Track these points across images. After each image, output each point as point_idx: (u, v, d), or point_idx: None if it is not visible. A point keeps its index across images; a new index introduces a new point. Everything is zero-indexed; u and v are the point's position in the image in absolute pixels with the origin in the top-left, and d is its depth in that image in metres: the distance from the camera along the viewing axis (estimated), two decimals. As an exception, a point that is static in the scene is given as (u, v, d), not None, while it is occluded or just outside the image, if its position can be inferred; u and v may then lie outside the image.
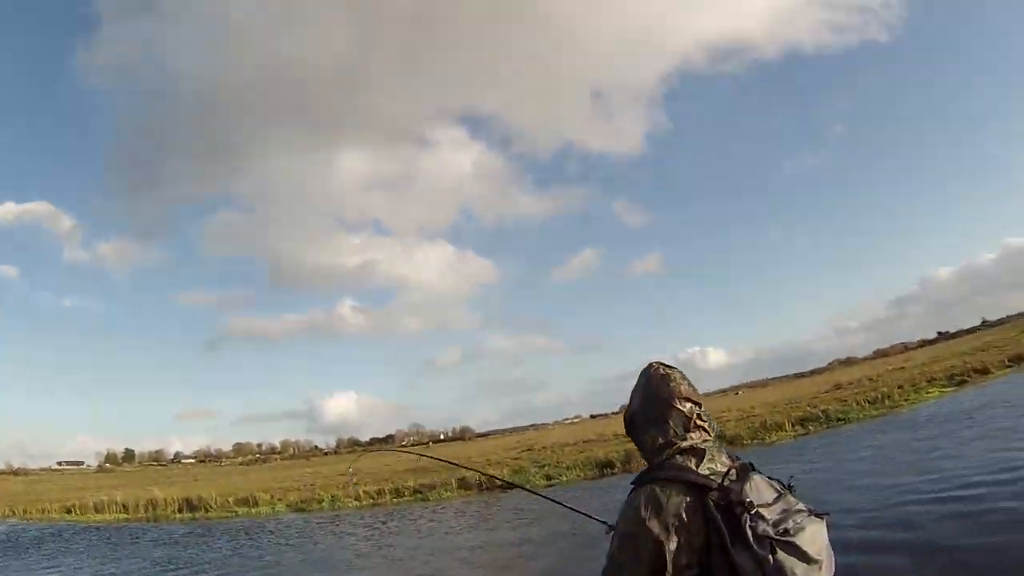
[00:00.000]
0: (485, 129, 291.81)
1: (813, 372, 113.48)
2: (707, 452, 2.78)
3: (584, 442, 48.00)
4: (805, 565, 2.44)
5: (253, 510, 37.31)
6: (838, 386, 48.67)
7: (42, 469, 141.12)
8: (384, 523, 26.74)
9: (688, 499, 2.60)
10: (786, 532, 2.45)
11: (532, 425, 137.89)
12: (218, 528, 31.39)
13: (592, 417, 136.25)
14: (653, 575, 2.59)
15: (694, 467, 2.71)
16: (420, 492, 33.98)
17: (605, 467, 31.59)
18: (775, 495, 2.62)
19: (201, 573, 19.87)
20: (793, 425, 32.35)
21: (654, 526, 2.59)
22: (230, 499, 39.82)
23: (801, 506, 2.61)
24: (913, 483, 15.04)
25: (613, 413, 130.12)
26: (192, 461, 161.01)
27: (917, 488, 14.43)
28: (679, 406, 2.86)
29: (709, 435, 2.88)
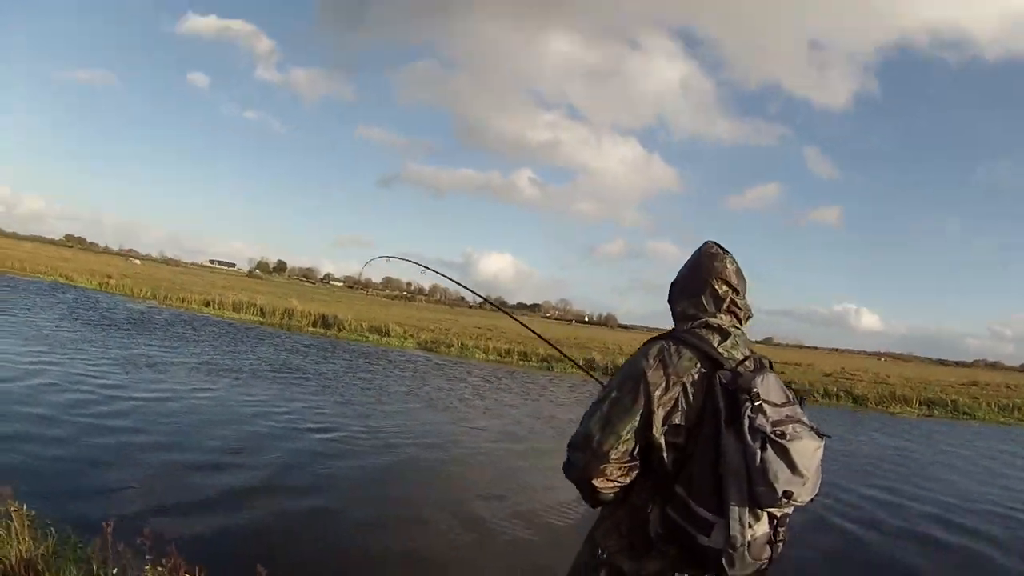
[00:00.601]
0: (698, 49, 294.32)
1: (957, 364, 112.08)
2: (732, 336, 2.71)
3: None
4: (790, 473, 2.33)
5: (383, 339, 38.67)
6: (975, 383, 47.45)
7: (193, 264, 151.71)
8: (499, 379, 27.21)
9: (698, 367, 2.55)
10: (782, 435, 2.35)
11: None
12: (343, 347, 32.62)
13: None
14: (641, 424, 2.50)
15: (714, 344, 2.65)
16: (546, 361, 34.44)
17: None
18: (785, 399, 2.51)
19: (306, 379, 20.31)
20: (920, 404, 32.24)
21: (654, 376, 2.52)
22: (364, 324, 41.47)
23: (806, 420, 2.50)
24: (994, 495, 14.24)
25: (757, 342, 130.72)
26: (340, 284, 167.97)
27: (992, 499, 13.67)
28: (716, 286, 2.80)
29: (740, 323, 2.83)
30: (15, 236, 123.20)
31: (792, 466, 2.32)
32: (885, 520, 11.13)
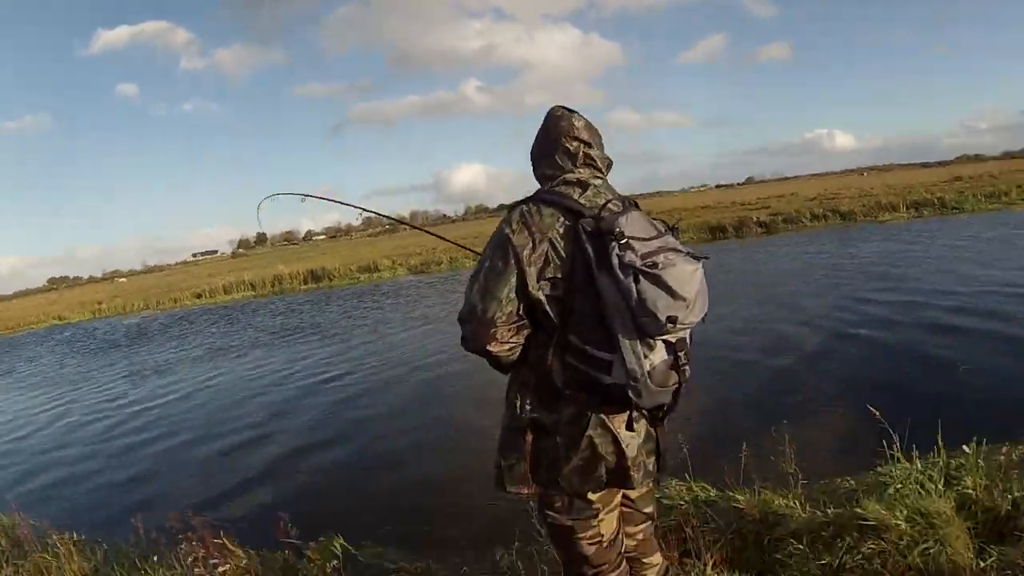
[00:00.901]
0: None
1: (938, 164, 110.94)
2: (592, 186, 2.81)
3: (702, 207, 49.21)
4: (669, 299, 2.44)
5: (375, 275, 39.44)
6: (958, 178, 47.76)
7: (178, 263, 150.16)
8: None
9: (561, 220, 2.65)
10: (654, 264, 2.45)
11: (657, 192, 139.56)
12: (337, 295, 33.27)
13: (718, 187, 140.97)
14: (518, 284, 2.62)
15: (575, 196, 2.75)
16: None
17: (718, 231, 33.29)
18: (655, 233, 2.63)
19: (305, 335, 21.00)
20: (907, 207, 33.10)
21: (519, 238, 2.63)
22: (353, 267, 42.13)
23: (679, 247, 2.59)
24: (1003, 276, 14.53)
25: (739, 184, 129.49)
26: (323, 237, 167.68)
27: (1007, 281, 13.95)
28: (567, 143, 2.91)
29: (600, 173, 2.95)
30: (0, 299, 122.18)
31: (670, 292, 2.43)
32: (899, 320, 11.76)
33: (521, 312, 2.64)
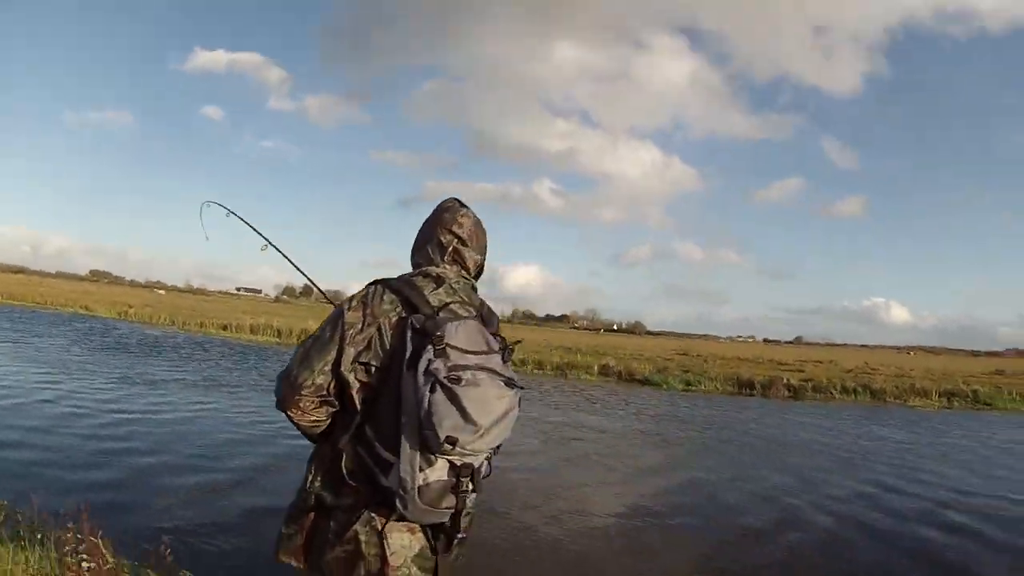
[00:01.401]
0: (703, 44, 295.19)
1: (988, 354, 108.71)
2: (447, 284, 2.74)
3: (739, 359, 48.46)
4: (458, 419, 2.32)
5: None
6: (1000, 371, 46.43)
7: (220, 292, 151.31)
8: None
9: (398, 311, 2.59)
10: (457, 380, 2.34)
11: (704, 335, 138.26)
12: None
13: (765, 341, 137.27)
14: (335, 360, 2.55)
15: (426, 291, 2.67)
16: (561, 369, 35.11)
17: (745, 386, 32.39)
18: (481, 348, 2.52)
19: None
20: (939, 396, 31.85)
21: (352, 316, 2.59)
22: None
23: (500, 370, 2.50)
24: (985, 487, 13.85)
25: (786, 342, 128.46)
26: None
27: (983, 492, 13.28)
28: (441, 236, 2.87)
29: (466, 274, 2.89)
30: (41, 274, 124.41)
31: (463, 412, 2.33)
32: (864, 515, 11.14)
33: (330, 389, 2.57)
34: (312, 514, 2.64)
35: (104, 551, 5.06)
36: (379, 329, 2.55)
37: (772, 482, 13.17)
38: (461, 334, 2.48)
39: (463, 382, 2.34)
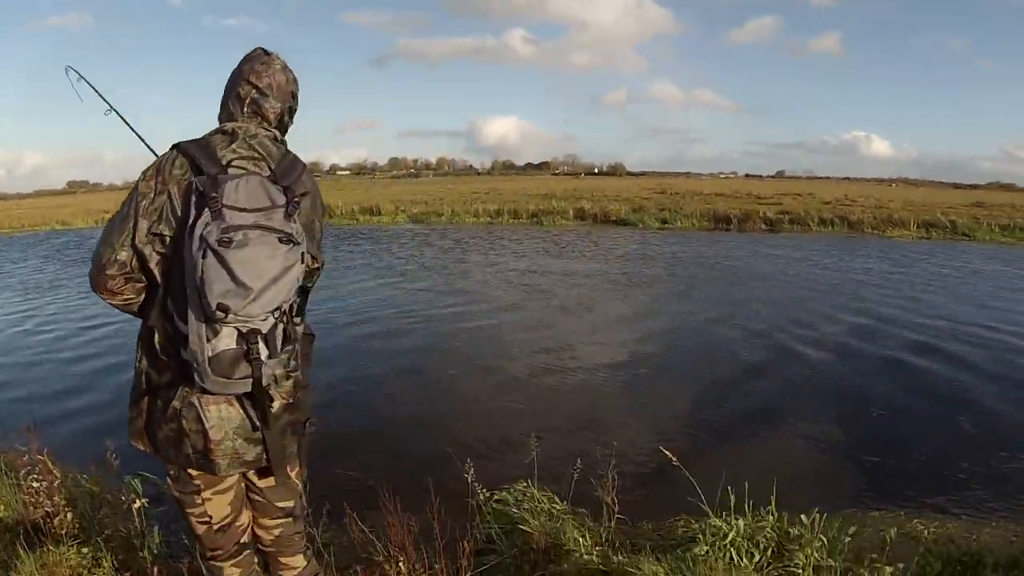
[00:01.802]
0: None
1: (969, 186, 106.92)
2: (240, 138, 2.58)
3: (717, 195, 48.09)
4: (229, 283, 2.20)
5: (374, 219, 39.30)
6: (980, 204, 45.49)
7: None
8: (473, 239, 27.94)
9: (187, 175, 2.46)
10: (228, 242, 2.22)
11: (686, 173, 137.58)
12: (330, 232, 32.42)
13: (747, 176, 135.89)
14: (132, 234, 2.45)
15: (218, 149, 2.53)
16: (536, 216, 35.25)
17: (720, 221, 32.64)
18: (264, 205, 2.36)
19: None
20: (918, 226, 31.63)
21: (145, 186, 2.49)
22: (355, 207, 41.72)
23: (279, 226, 2.34)
24: (963, 313, 13.57)
25: (768, 176, 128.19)
26: (347, 173, 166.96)
27: (961, 318, 13.04)
28: (240, 88, 2.71)
29: (267, 126, 2.71)
30: (18, 196, 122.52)
31: (232, 276, 2.20)
32: (850, 345, 11.11)
33: (132, 265, 2.48)
34: (146, 395, 2.57)
35: (51, 466, 5.04)
36: (169, 196, 2.45)
37: (750, 318, 13.12)
38: (241, 192, 2.34)
39: (233, 244, 2.22)
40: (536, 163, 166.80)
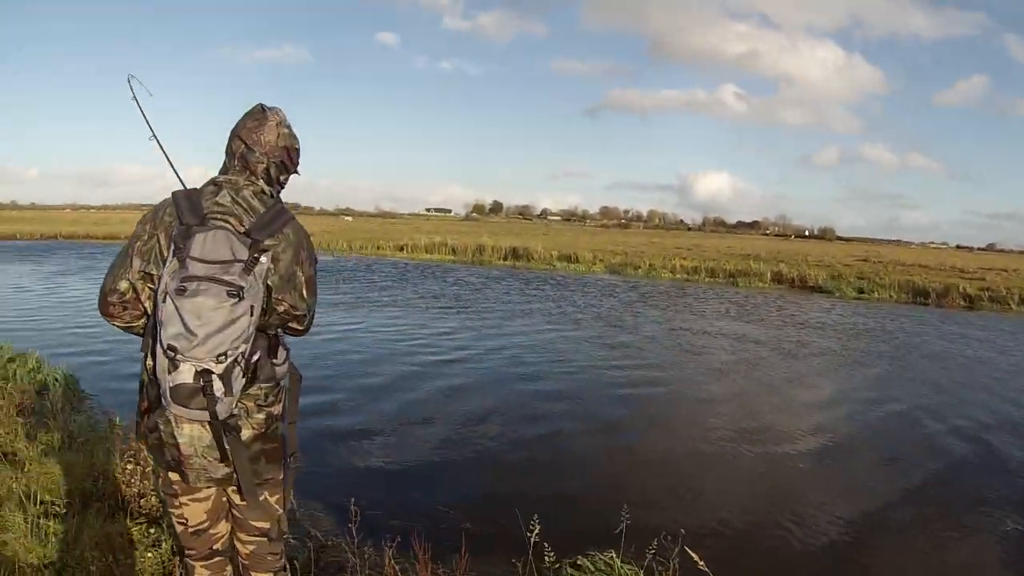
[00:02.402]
0: None
1: None
2: (225, 190, 2.83)
3: (920, 266, 44.99)
4: (180, 328, 2.46)
5: (571, 266, 39.42)
6: None
7: (409, 214, 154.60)
8: (660, 294, 27.64)
9: (176, 221, 2.70)
10: (182, 291, 2.48)
11: (896, 240, 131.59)
12: (521, 276, 33.58)
13: (957, 247, 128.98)
14: (129, 269, 2.76)
15: (205, 200, 2.78)
16: (733, 277, 34.49)
17: (918, 294, 30.54)
18: (224, 258, 2.59)
19: (447, 306, 21.48)
20: None
21: (141, 229, 2.78)
22: (554, 253, 41.91)
23: (233, 279, 2.55)
24: None
25: (979, 249, 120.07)
26: (557, 219, 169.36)
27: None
28: (232, 142, 2.96)
29: (253, 179, 2.93)
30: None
31: (183, 321, 2.45)
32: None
33: (130, 296, 2.77)
34: (144, 405, 2.81)
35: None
36: (159, 240, 2.73)
37: (900, 398, 11.84)
38: (206, 245, 2.57)
39: (187, 292, 2.47)
40: (747, 221, 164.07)
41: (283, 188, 3.10)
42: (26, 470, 5.98)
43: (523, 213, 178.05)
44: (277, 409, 2.87)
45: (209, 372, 2.51)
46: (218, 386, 2.53)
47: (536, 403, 10.42)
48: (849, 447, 9.19)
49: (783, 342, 16.96)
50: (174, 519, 3.02)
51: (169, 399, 2.52)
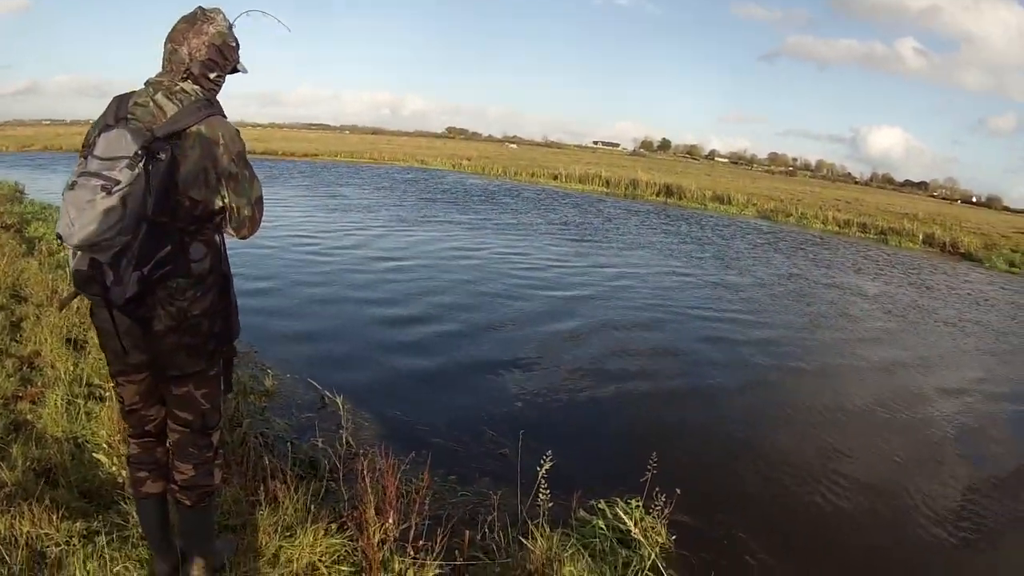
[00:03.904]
0: None
1: None
2: (149, 90, 2.90)
3: None
4: (64, 219, 2.58)
5: (723, 207, 38.42)
6: None
7: (576, 146, 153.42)
8: (797, 242, 26.43)
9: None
10: (72, 185, 2.61)
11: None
12: (666, 212, 33.00)
13: None
14: None
15: (131, 100, 2.87)
16: (884, 234, 32.64)
17: None
18: (116, 155, 2.65)
19: (573, 236, 21.08)
20: None
21: (88, 131, 2.88)
22: (707, 193, 41.18)
23: (112, 174, 2.61)
24: None
25: None
26: (725, 161, 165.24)
27: None
28: (167, 44, 2.99)
29: (179, 78, 2.97)
30: (398, 133, 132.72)
31: (66, 211, 2.58)
32: None
33: None
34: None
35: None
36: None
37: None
38: (108, 141, 2.68)
39: (73, 186, 2.61)
40: (915, 181, 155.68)
41: (217, 87, 3.10)
42: (87, 356, 6.38)
43: (691, 152, 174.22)
44: (198, 306, 2.93)
45: (96, 261, 2.66)
46: (109, 274, 2.68)
47: (602, 335, 10.27)
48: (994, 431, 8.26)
49: (895, 301, 15.87)
50: (115, 397, 3.32)
51: (72, 285, 2.76)
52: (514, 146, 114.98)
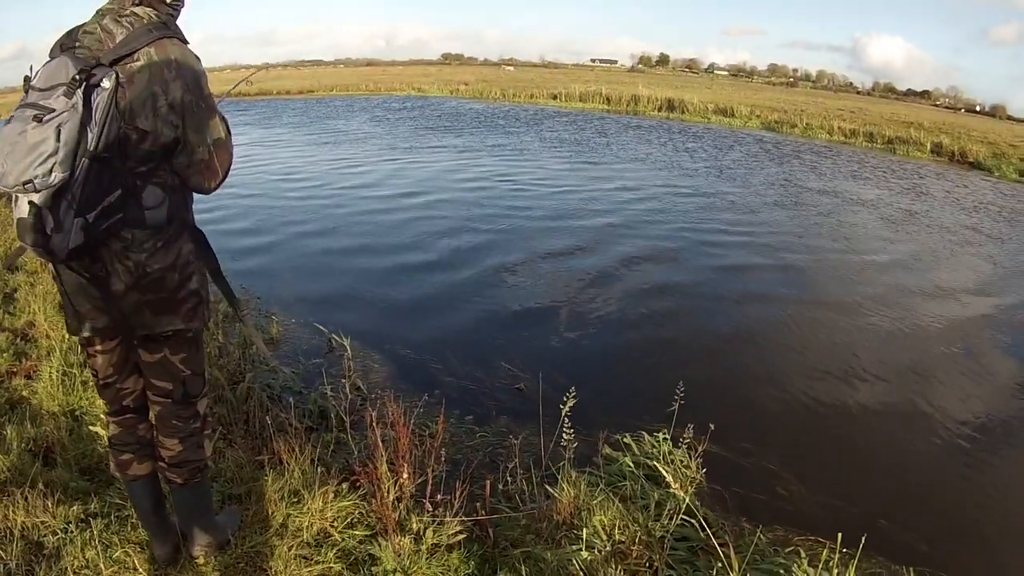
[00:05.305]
0: None
1: None
2: (97, 16, 2.60)
3: None
4: None
5: (726, 120, 37.78)
6: None
7: (574, 64, 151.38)
8: (798, 152, 26.24)
9: None
10: (9, 119, 2.34)
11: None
12: (668, 127, 32.49)
13: None
14: None
15: (82, 29, 2.60)
16: (891, 143, 32.09)
17: None
18: (53, 84, 2.39)
19: (596, 152, 21.21)
20: None
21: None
22: (710, 106, 40.48)
23: (49, 104, 2.34)
24: None
25: None
26: (725, 74, 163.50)
27: None
28: None
29: (128, 3, 2.62)
30: (392, 63, 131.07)
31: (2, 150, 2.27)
32: None
33: None
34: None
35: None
36: None
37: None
38: (47, 72, 2.44)
39: (9, 121, 2.32)
40: (918, 90, 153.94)
41: (175, 12, 2.75)
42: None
43: (690, 66, 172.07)
44: (158, 260, 2.64)
45: (33, 204, 2.34)
46: (49, 220, 2.36)
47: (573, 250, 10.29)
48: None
49: (892, 206, 15.63)
50: (90, 371, 3.02)
51: (17, 236, 2.42)
52: (511, 68, 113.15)
